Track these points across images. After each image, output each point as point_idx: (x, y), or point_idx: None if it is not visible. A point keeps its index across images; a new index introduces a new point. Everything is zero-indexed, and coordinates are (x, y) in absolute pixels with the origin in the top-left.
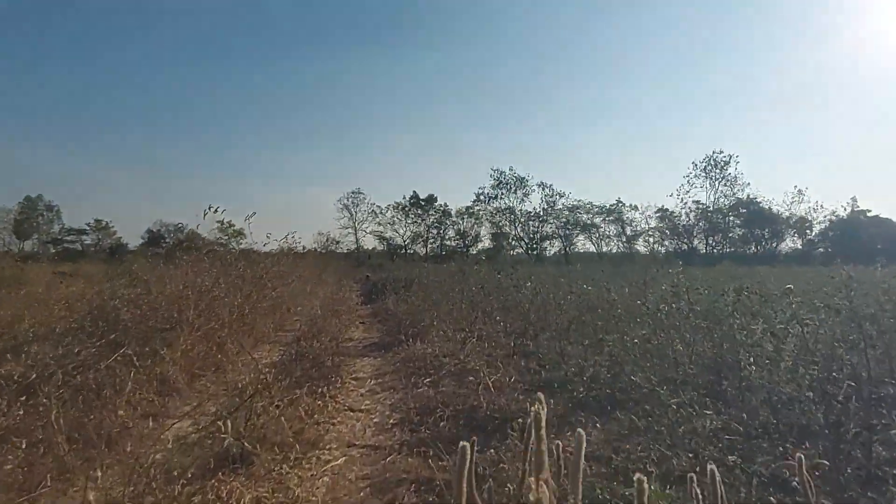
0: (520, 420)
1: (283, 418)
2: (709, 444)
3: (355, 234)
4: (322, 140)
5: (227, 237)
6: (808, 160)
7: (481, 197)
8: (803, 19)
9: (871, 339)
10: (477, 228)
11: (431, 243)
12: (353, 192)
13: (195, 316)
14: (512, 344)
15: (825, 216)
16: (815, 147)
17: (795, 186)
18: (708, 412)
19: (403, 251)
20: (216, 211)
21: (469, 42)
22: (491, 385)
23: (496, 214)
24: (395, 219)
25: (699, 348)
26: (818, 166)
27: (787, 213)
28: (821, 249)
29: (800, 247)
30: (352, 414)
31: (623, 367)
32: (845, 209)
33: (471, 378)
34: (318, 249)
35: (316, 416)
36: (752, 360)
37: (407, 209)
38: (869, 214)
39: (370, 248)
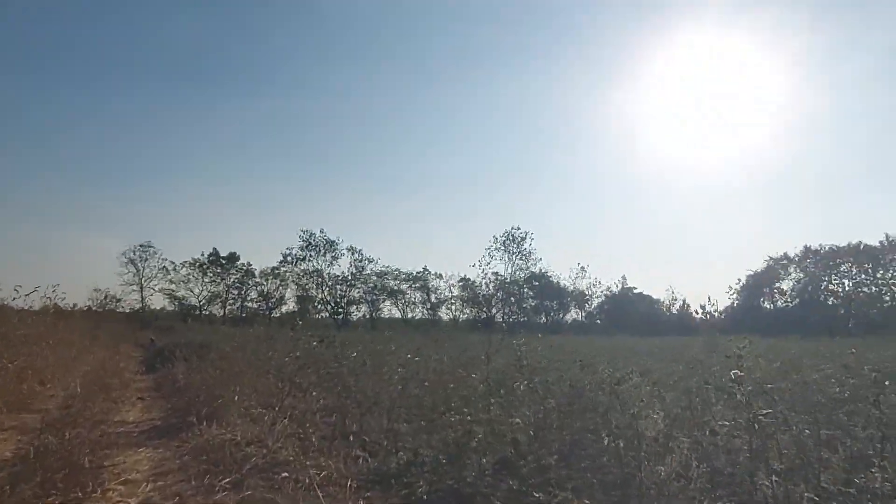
0: None
1: None
2: None
3: (141, 292)
4: (106, 184)
5: None
6: (590, 240)
7: (289, 258)
8: (580, 126)
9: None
10: (282, 290)
11: (231, 304)
12: (141, 246)
13: None
14: (332, 424)
15: (601, 291)
16: (594, 230)
17: (578, 263)
18: None
19: (198, 312)
20: None
21: (282, 98)
22: (312, 484)
23: (303, 277)
24: (191, 277)
25: (558, 434)
26: (598, 246)
27: (571, 287)
28: (598, 321)
29: (581, 318)
30: None
31: (466, 454)
32: (617, 286)
33: (284, 474)
34: (94, 307)
35: None
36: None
37: (205, 267)
38: (635, 291)
39: (158, 307)
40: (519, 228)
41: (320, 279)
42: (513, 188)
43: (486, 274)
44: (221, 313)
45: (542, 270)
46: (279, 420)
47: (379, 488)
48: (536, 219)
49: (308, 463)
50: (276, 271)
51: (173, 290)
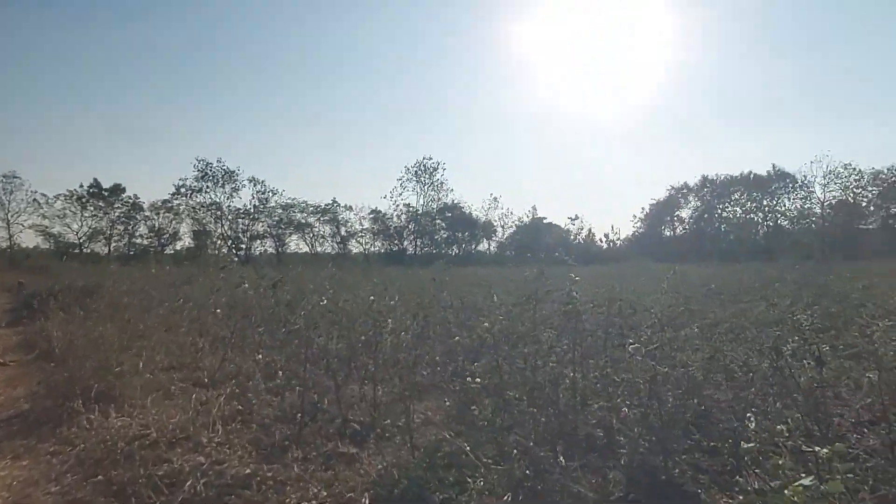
0: None
1: None
2: None
3: (8, 229)
4: None
5: None
6: (502, 172)
7: (182, 190)
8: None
9: None
10: (175, 225)
11: (116, 241)
12: (4, 176)
13: None
14: (289, 399)
15: (513, 222)
16: (506, 161)
17: (491, 194)
18: None
19: (78, 250)
20: None
21: (172, 19)
22: None
23: (200, 210)
24: (68, 211)
25: None
26: (509, 177)
27: (484, 218)
28: (509, 252)
29: (493, 249)
30: None
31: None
32: (528, 216)
33: None
34: None
35: None
36: None
37: (84, 200)
38: (545, 221)
39: (31, 246)
40: (431, 158)
41: (219, 212)
42: (425, 119)
43: (397, 205)
44: (106, 251)
45: (455, 201)
46: (213, 398)
47: None
48: (448, 150)
49: (277, 476)
50: (169, 204)
51: (47, 227)
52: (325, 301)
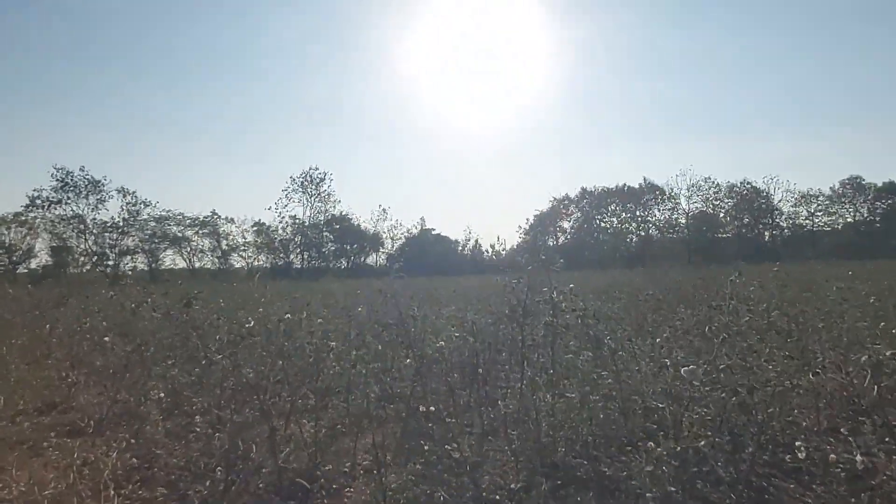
0: None
1: None
2: None
3: None
4: None
5: None
6: (391, 183)
7: (38, 201)
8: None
9: None
10: (30, 241)
11: None
12: None
13: None
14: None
15: (402, 234)
16: (395, 173)
17: (380, 205)
18: None
19: None
20: None
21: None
22: None
23: (59, 224)
24: None
25: None
26: (398, 189)
27: (373, 230)
28: (398, 264)
29: (383, 261)
30: None
31: None
32: (417, 228)
33: None
34: None
35: None
36: None
37: None
38: (434, 233)
39: None
40: (317, 169)
41: (83, 226)
42: (311, 130)
43: (283, 217)
44: None
45: (343, 213)
46: (101, 453)
47: None
48: (336, 161)
49: None
50: (22, 218)
51: None
52: (252, 322)
